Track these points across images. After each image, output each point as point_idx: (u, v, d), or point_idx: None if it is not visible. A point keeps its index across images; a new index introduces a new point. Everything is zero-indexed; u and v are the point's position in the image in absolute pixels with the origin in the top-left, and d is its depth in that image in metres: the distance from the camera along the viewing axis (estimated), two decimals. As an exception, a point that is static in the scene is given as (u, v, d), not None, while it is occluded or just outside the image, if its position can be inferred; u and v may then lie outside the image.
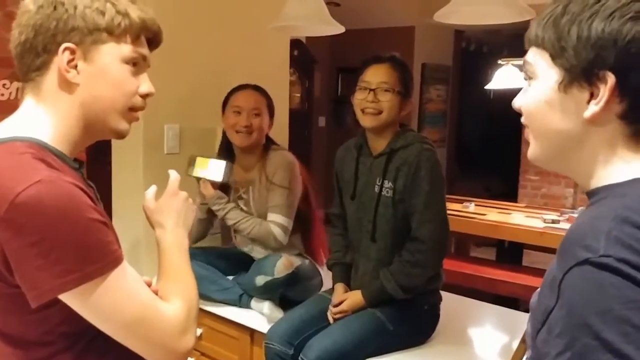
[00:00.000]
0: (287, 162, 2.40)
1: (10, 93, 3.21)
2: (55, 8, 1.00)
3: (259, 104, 2.42)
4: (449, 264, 4.05)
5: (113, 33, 1.03)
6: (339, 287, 2.12)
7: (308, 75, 5.77)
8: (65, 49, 1.00)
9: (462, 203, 4.48)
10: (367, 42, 5.87)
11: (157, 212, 1.22)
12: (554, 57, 0.82)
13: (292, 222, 2.37)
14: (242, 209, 2.42)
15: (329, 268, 2.24)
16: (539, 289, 0.86)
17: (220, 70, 2.86)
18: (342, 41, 6.69)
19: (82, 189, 0.95)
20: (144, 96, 1.11)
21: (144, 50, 1.09)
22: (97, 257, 0.93)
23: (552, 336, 0.72)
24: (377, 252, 2.04)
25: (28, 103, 1.05)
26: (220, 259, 2.50)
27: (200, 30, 2.79)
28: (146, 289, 1.02)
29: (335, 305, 2.03)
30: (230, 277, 2.52)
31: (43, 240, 0.88)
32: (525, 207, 4.76)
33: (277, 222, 2.33)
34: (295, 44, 5.33)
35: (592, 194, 0.84)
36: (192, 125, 2.80)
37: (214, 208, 2.37)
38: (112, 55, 1.04)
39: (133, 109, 1.10)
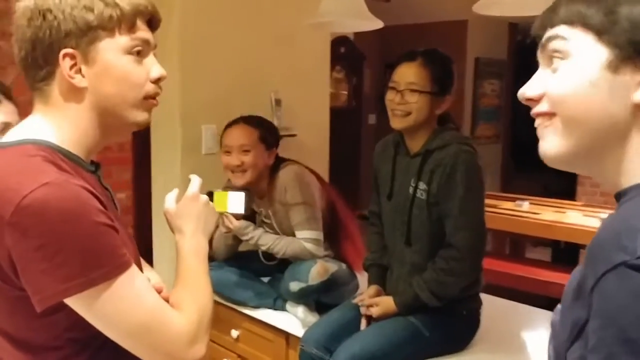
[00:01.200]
0: (291, 179, 2.32)
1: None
2: (44, 17, 0.98)
3: (247, 140, 2.31)
4: (500, 266, 3.95)
5: (106, 27, 0.99)
6: (372, 288, 2.06)
7: (356, 72, 5.70)
8: (65, 55, 0.98)
9: (514, 201, 4.32)
10: (417, 37, 5.74)
11: (176, 216, 1.19)
12: (600, 33, 0.73)
13: (322, 232, 2.31)
14: (269, 232, 2.39)
15: (365, 269, 2.18)
16: (559, 305, 0.78)
17: (258, 69, 2.83)
18: (392, 37, 6.59)
19: (91, 192, 0.93)
20: (157, 81, 1.06)
21: (144, 34, 1.04)
22: (102, 262, 0.91)
23: (587, 351, 0.64)
24: (411, 256, 1.96)
25: (38, 110, 1.04)
26: (254, 260, 2.47)
27: (237, 29, 2.77)
28: (154, 296, 0.99)
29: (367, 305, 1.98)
30: (266, 279, 2.49)
31: (48, 244, 0.87)
32: (583, 205, 4.55)
33: (307, 238, 2.28)
34: (341, 40, 5.27)
35: (623, 193, 0.74)
36: (231, 125, 2.78)
37: (245, 238, 2.33)
38: (111, 50, 1.01)
39: (148, 96, 1.06)
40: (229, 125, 2.38)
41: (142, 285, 0.97)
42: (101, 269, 0.90)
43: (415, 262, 1.95)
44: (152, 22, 1.07)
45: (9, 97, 1.69)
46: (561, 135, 0.76)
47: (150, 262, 2.87)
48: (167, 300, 1.03)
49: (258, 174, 2.33)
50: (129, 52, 1.02)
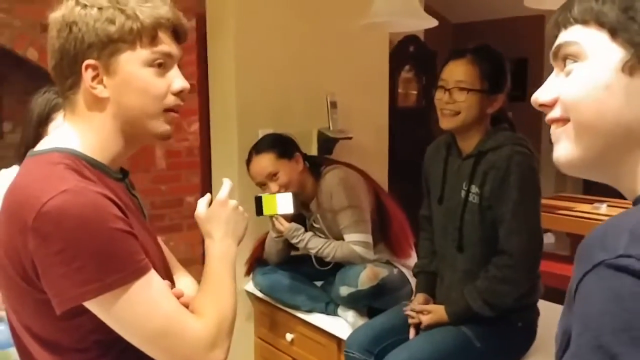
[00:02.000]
0: (335, 184, 2.29)
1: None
2: (70, 30, 1.01)
3: (269, 167, 2.30)
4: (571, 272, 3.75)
5: (127, 40, 1.01)
6: (420, 296, 1.99)
7: (426, 71, 5.58)
8: (87, 66, 1.01)
9: (592, 204, 4.10)
10: (492, 33, 5.58)
11: (206, 221, 1.19)
12: (615, 33, 0.67)
13: (370, 235, 2.27)
14: (319, 236, 2.37)
15: (414, 275, 2.12)
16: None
17: (313, 72, 2.82)
18: (465, 33, 6.44)
19: (110, 199, 0.95)
20: (178, 93, 1.07)
21: (166, 48, 1.05)
22: (118, 268, 0.93)
23: None
24: (464, 262, 1.88)
25: (67, 119, 1.08)
26: (307, 264, 2.46)
27: (292, 31, 2.77)
28: (172, 301, 1.00)
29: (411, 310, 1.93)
30: (319, 283, 2.48)
31: (66, 249, 0.90)
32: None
33: (356, 241, 2.24)
34: (410, 39, 5.18)
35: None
36: (288, 129, 2.77)
37: (294, 241, 2.32)
38: (132, 62, 1.02)
39: (168, 109, 1.07)
40: (248, 162, 2.39)
41: (159, 291, 0.98)
42: (117, 274, 0.92)
43: (467, 269, 1.87)
44: (178, 34, 1.08)
45: None
46: (574, 141, 0.71)
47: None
48: (187, 306, 1.04)
49: (299, 184, 2.33)
50: (150, 64, 1.03)
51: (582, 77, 0.70)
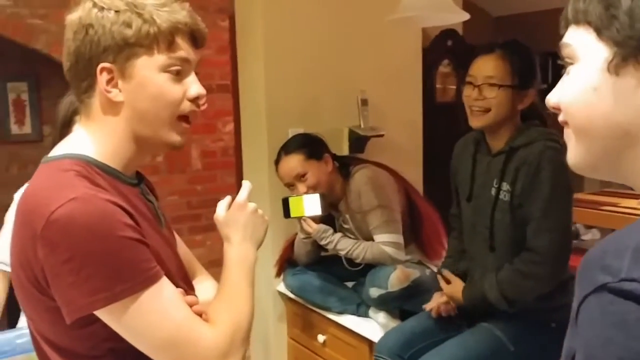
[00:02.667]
0: (364, 184, 2.25)
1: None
2: (86, 32, 1.00)
3: (298, 169, 2.28)
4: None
5: (143, 44, 1.00)
6: (440, 294, 1.95)
7: (465, 66, 5.48)
8: (102, 69, 1.00)
9: (638, 199, 3.94)
10: (534, 25, 5.42)
11: (224, 224, 1.17)
12: (600, 31, 0.64)
13: (401, 235, 2.22)
14: (349, 237, 2.33)
15: (438, 273, 2.06)
16: None
17: (344, 69, 2.78)
18: (507, 26, 6.29)
19: (121, 207, 0.93)
20: (194, 100, 1.06)
21: (183, 54, 1.03)
22: (127, 277, 0.91)
23: None
24: (495, 262, 1.82)
25: (82, 123, 1.07)
26: (337, 265, 2.42)
27: (321, 28, 2.73)
28: (184, 310, 0.98)
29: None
30: (350, 284, 2.44)
31: (74, 258, 0.89)
32: None
33: (386, 242, 2.20)
34: (448, 33, 5.07)
35: None
36: (318, 128, 2.73)
37: (323, 243, 2.29)
38: (148, 67, 1.01)
39: (182, 117, 1.06)
40: (277, 162, 2.37)
41: (170, 299, 0.97)
42: (126, 283, 0.91)
43: (500, 268, 1.80)
44: (195, 39, 1.06)
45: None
46: (575, 144, 0.70)
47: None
48: (201, 314, 1.01)
49: (327, 185, 2.30)
50: (166, 70, 1.02)
51: (574, 80, 0.68)
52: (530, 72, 1.78)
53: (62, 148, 1.04)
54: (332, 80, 2.75)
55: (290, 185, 2.32)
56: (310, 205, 2.20)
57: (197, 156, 4.18)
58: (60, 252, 0.89)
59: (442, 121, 4.71)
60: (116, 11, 0.99)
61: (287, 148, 2.34)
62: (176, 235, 1.23)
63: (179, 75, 1.03)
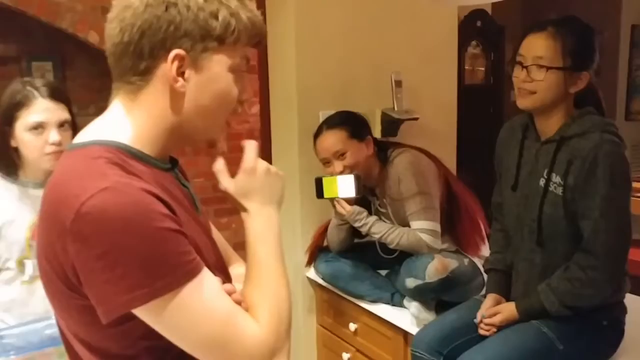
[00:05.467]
0: (404, 169, 2.16)
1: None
2: (166, 9, 0.90)
3: (339, 145, 2.19)
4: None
5: (225, 40, 0.93)
6: (490, 298, 1.83)
7: (494, 47, 5.33)
8: (176, 55, 0.91)
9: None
10: (564, 3, 5.27)
11: (237, 196, 1.05)
12: None
13: (439, 224, 2.12)
14: (384, 221, 2.24)
15: (485, 272, 1.97)
16: None
17: (377, 50, 2.68)
18: (535, 5, 6.11)
19: (156, 195, 0.86)
20: (241, 102, 1.01)
21: (249, 56, 1.00)
22: (166, 271, 0.84)
23: None
24: (543, 257, 1.72)
25: (120, 106, 0.97)
26: (371, 253, 2.34)
27: (354, 8, 2.63)
28: (227, 303, 0.91)
29: (481, 319, 1.77)
30: (384, 272, 2.37)
31: (108, 253, 0.81)
32: None
33: (423, 229, 2.10)
34: (477, 13, 4.95)
35: None
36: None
37: (357, 225, 2.19)
38: (222, 64, 0.95)
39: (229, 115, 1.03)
40: (316, 136, 2.27)
41: (212, 292, 0.89)
42: (166, 278, 0.84)
43: (548, 265, 1.71)
44: (259, 43, 1.02)
45: (52, 95, 1.67)
46: None
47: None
48: (239, 303, 0.93)
49: (365, 168, 2.22)
50: (234, 70, 0.97)
51: None
52: (586, 52, 1.66)
53: (90, 133, 0.95)
54: (365, 61, 2.65)
55: (325, 162, 2.24)
56: (344, 186, 2.12)
57: (222, 139, 4.13)
58: (93, 247, 0.81)
59: (471, 104, 4.60)
60: None
61: (331, 122, 2.26)
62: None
63: (238, 75, 0.98)
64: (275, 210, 1.06)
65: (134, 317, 0.86)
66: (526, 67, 1.66)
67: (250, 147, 1.06)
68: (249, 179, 1.05)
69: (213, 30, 0.92)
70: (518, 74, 1.69)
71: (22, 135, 1.64)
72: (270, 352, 0.92)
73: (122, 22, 0.91)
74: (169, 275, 0.84)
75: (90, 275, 0.83)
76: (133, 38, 0.91)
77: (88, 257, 0.82)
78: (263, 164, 1.06)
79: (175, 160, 1.05)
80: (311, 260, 2.51)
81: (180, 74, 0.92)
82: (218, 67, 0.95)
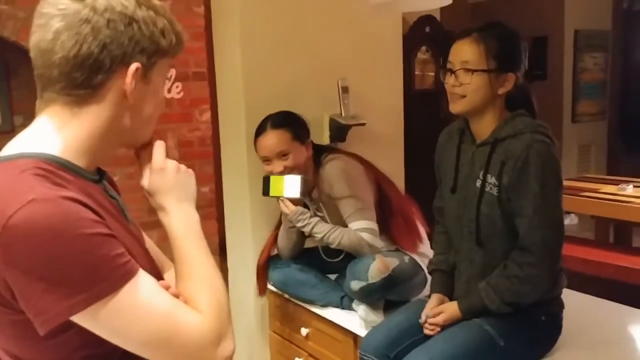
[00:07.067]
0: (336, 173, 2.21)
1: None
2: (129, 24, 0.93)
3: (283, 145, 2.21)
4: (603, 256, 3.63)
5: (167, 54, 1.01)
6: (434, 298, 1.87)
7: (444, 53, 5.45)
8: (137, 69, 0.95)
9: (617, 185, 3.96)
10: (512, 9, 5.41)
11: (151, 194, 1.07)
12: None
13: (376, 223, 2.17)
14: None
15: (429, 273, 2.01)
16: None
17: (324, 56, 2.71)
18: (485, 11, 6.26)
19: (84, 204, 0.86)
20: None
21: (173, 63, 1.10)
22: (103, 275, 0.85)
23: None
24: (483, 256, 1.78)
25: (53, 117, 0.96)
26: (319, 257, 2.37)
27: (300, 14, 2.66)
28: (166, 299, 0.92)
29: (426, 319, 1.81)
30: (333, 276, 2.39)
31: (41, 264, 0.81)
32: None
33: (363, 228, 2.14)
34: (426, 19, 5.04)
35: None
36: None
37: (299, 225, 2.21)
38: (162, 75, 1.03)
39: None
40: (259, 133, 2.29)
41: (151, 289, 0.90)
42: (103, 282, 0.84)
43: (488, 264, 1.77)
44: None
45: None
46: None
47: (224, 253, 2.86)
48: (177, 297, 0.95)
49: (304, 170, 2.25)
50: (165, 77, 1.06)
51: None
52: (510, 55, 1.73)
53: (18, 145, 0.94)
54: (312, 67, 2.68)
55: (266, 160, 2.26)
56: (290, 186, 2.15)
57: (173, 146, 4.09)
58: (25, 260, 0.81)
59: (421, 109, 4.68)
60: (155, 12, 0.96)
61: (276, 122, 2.26)
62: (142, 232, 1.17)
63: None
64: (192, 207, 1.08)
65: (71, 327, 0.86)
66: (454, 72, 1.72)
67: (158, 147, 1.08)
68: (160, 178, 1.06)
69: (161, 46, 0.97)
70: (448, 80, 1.75)
71: None
72: (217, 337, 0.93)
73: (76, 34, 0.91)
74: (106, 279, 0.85)
75: (26, 288, 0.83)
76: (92, 52, 0.91)
77: (20, 271, 0.82)
78: (172, 163, 1.09)
79: (102, 172, 1.06)
80: (263, 290, 2.56)
81: (133, 86, 0.95)
82: (159, 78, 1.01)
